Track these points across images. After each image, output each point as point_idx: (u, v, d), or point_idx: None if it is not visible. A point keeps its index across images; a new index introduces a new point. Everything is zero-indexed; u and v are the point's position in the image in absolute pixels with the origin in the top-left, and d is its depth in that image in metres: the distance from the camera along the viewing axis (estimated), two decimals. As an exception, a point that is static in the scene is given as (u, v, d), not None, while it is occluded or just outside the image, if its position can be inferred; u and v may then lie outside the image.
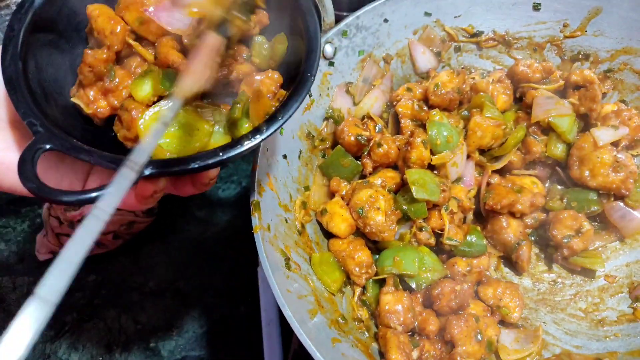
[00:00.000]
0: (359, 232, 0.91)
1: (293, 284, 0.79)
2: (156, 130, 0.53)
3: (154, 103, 0.65)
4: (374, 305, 0.87)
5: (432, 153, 0.91)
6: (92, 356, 1.07)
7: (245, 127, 0.66)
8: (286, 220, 0.88)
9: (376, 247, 0.91)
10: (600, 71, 1.05)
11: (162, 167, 0.56)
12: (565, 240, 0.90)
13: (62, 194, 0.52)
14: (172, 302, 1.14)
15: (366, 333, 0.86)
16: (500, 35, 1.08)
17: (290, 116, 0.62)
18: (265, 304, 1.05)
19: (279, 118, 0.61)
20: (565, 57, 1.07)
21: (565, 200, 0.95)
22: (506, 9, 1.06)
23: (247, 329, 1.09)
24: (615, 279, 0.94)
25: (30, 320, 0.39)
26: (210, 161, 0.57)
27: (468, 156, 0.95)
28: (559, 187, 0.99)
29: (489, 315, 0.87)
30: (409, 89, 1.02)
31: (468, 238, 0.91)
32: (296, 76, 0.65)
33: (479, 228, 0.95)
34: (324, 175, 0.98)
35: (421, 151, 0.89)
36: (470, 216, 0.96)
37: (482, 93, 0.98)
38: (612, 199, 0.94)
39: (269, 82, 0.66)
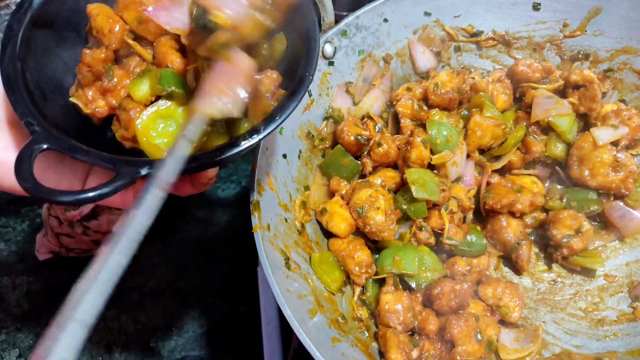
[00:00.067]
0: (358, 232, 0.91)
1: (293, 283, 0.79)
2: (180, 148, 0.52)
3: (151, 103, 0.65)
4: (373, 304, 0.87)
5: (432, 153, 0.91)
6: (92, 356, 1.07)
7: (244, 126, 0.66)
8: (286, 220, 0.88)
9: (376, 246, 0.91)
10: (600, 71, 1.05)
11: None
12: (565, 239, 0.90)
13: (59, 194, 0.52)
14: (172, 302, 1.14)
15: (366, 332, 0.86)
16: (500, 35, 1.08)
17: (287, 116, 0.62)
18: (265, 303, 1.05)
19: (277, 118, 0.61)
20: (565, 57, 1.07)
21: (565, 200, 0.95)
22: (506, 9, 1.06)
23: (247, 328, 1.08)
24: (615, 279, 0.94)
25: (68, 342, 0.38)
26: (208, 161, 0.57)
27: (468, 156, 0.95)
28: (559, 186, 0.99)
29: (488, 314, 0.87)
30: (408, 89, 1.02)
31: (468, 238, 0.91)
32: (295, 76, 0.65)
33: (478, 228, 0.95)
34: (324, 175, 0.98)
35: (421, 151, 0.89)
36: (470, 216, 0.96)
37: (481, 93, 0.98)
38: (612, 198, 0.94)
39: (268, 81, 0.66)
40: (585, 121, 1.00)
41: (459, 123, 0.97)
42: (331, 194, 0.96)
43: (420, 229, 0.89)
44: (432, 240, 0.90)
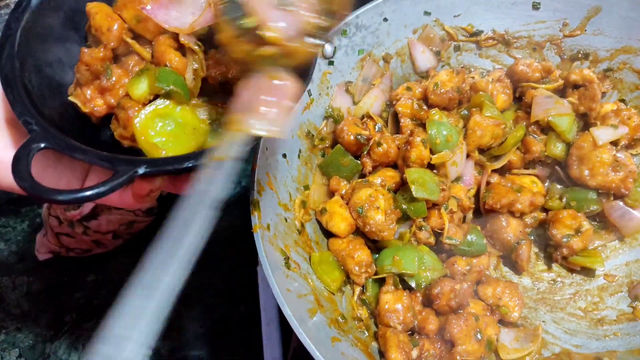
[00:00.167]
0: (358, 232, 0.91)
1: (293, 283, 0.79)
2: (228, 168, 0.52)
3: (150, 101, 0.65)
4: (373, 304, 0.87)
5: (432, 152, 0.91)
6: (92, 356, 1.07)
7: None
8: (286, 220, 0.88)
9: (376, 246, 0.91)
10: (600, 70, 1.05)
11: (156, 166, 0.56)
12: (564, 239, 0.90)
13: (57, 192, 0.52)
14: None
15: (366, 332, 0.86)
16: (499, 35, 1.08)
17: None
18: (265, 303, 1.05)
19: None
20: (565, 56, 1.07)
21: (564, 200, 0.95)
22: (505, 8, 1.06)
23: (247, 328, 1.08)
24: (614, 278, 0.94)
25: None
26: (205, 160, 0.57)
27: (468, 155, 0.95)
28: (559, 186, 0.99)
29: (488, 314, 0.87)
30: (408, 88, 1.02)
31: (468, 237, 0.91)
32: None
33: (478, 227, 0.95)
34: (324, 175, 0.98)
35: (421, 150, 0.89)
36: (469, 215, 0.96)
37: (481, 92, 0.98)
38: (612, 198, 0.94)
39: None
40: (585, 121, 1.00)
41: (458, 123, 0.97)
42: (331, 194, 0.96)
43: (420, 228, 0.89)
44: (432, 239, 0.90)
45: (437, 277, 0.86)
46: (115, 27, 0.67)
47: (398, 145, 0.94)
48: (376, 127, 1.00)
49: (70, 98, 0.67)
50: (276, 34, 0.55)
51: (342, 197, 0.93)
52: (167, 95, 0.64)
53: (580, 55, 1.06)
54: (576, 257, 0.92)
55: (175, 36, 0.68)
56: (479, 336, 0.81)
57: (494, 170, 0.98)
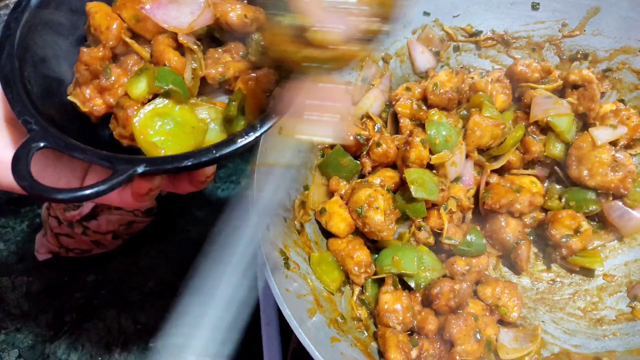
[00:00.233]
0: (358, 232, 0.91)
1: (292, 283, 0.79)
2: (277, 174, 0.51)
3: (149, 101, 0.65)
4: (373, 304, 0.87)
5: (431, 152, 0.91)
6: (92, 356, 1.07)
7: (241, 124, 0.66)
8: (285, 220, 0.88)
9: (375, 246, 0.91)
10: (599, 70, 1.05)
11: (155, 165, 0.56)
12: (563, 239, 0.90)
13: (56, 191, 0.52)
14: (172, 302, 1.14)
15: (365, 332, 0.86)
16: (499, 35, 1.09)
17: (284, 113, 0.62)
18: (265, 303, 1.05)
19: (273, 115, 0.61)
20: (564, 57, 1.07)
21: (563, 200, 0.95)
22: (505, 9, 1.07)
23: (247, 328, 1.08)
24: (613, 278, 0.94)
25: None
26: (204, 159, 0.57)
27: (467, 156, 0.95)
28: (558, 186, 0.99)
29: (487, 314, 0.87)
30: (407, 89, 1.03)
31: (467, 237, 0.91)
32: (292, 73, 0.65)
33: (478, 227, 0.95)
34: (323, 175, 0.98)
35: (420, 151, 0.89)
36: (469, 215, 0.96)
37: (481, 92, 0.98)
38: (611, 198, 0.94)
39: (265, 79, 0.66)
40: (584, 121, 1.00)
41: (458, 123, 0.97)
42: (330, 194, 0.96)
43: (419, 228, 0.89)
44: (431, 240, 0.90)
45: (436, 277, 0.86)
46: (115, 26, 0.67)
47: (397, 146, 0.95)
48: (375, 127, 1.00)
49: (69, 97, 0.67)
50: (328, 37, 0.54)
51: (341, 198, 0.93)
52: (166, 95, 0.64)
53: (579, 56, 1.06)
54: (575, 257, 0.92)
55: (174, 36, 0.68)
56: (478, 336, 0.81)
57: (493, 171, 0.98)
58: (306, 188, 0.96)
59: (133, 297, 1.15)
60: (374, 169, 0.97)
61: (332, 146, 0.99)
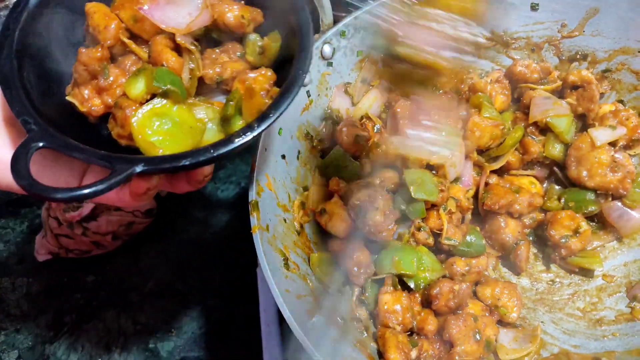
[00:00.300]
0: (357, 232, 0.91)
1: (292, 284, 0.79)
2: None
3: (147, 101, 0.65)
4: (372, 305, 0.87)
5: (431, 153, 0.91)
6: (91, 357, 1.07)
7: (239, 124, 0.66)
8: (285, 221, 0.88)
9: (375, 247, 0.91)
10: (598, 71, 1.05)
11: (153, 164, 0.57)
12: (563, 240, 0.90)
13: (55, 191, 0.53)
14: (171, 302, 1.14)
15: (365, 333, 0.86)
16: (498, 35, 1.09)
17: (281, 113, 0.62)
18: (265, 304, 1.05)
19: (271, 115, 0.62)
20: (563, 57, 1.07)
21: (563, 200, 0.95)
22: (504, 9, 1.07)
23: (247, 329, 1.09)
24: (613, 279, 0.94)
25: None
26: (201, 158, 0.58)
27: (466, 156, 0.95)
28: (557, 187, 0.99)
29: (487, 314, 0.87)
30: (407, 90, 1.03)
31: (467, 238, 0.91)
32: (289, 73, 0.65)
33: (477, 228, 0.95)
34: (323, 176, 0.98)
35: (419, 151, 0.89)
36: (468, 216, 0.96)
37: (480, 93, 0.98)
38: (610, 199, 0.94)
39: (262, 79, 0.67)
40: (583, 122, 1.00)
41: (457, 123, 0.97)
42: (330, 195, 0.96)
43: (418, 229, 0.90)
44: (431, 240, 0.90)
45: (436, 278, 0.87)
46: (113, 25, 0.67)
47: (397, 146, 0.95)
48: (375, 128, 1.00)
49: (67, 98, 0.68)
50: (440, 60, 0.54)
51: (341, 198, 0.93)
52: (164, 95, 0.64)
53: (578, 56, 1.06)
54: (575, 257, 0.92)
55: (171, 36, 0.68)
56: (477, 336, 0.81)
57: (493, 171, 0.98)
58: (306, 189, 0.96)
59: (133, 297, 1.15)
60: (374, 169, 0.96)
61: (331, 147, 1.00)
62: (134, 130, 0.63)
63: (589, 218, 0.96)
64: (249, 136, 0.60)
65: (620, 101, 1.04)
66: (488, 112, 0.93)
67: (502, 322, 0.88)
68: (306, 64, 0.66)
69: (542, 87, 1.02)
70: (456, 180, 0.95)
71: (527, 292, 0.95)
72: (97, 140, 0.67)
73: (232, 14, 0.69)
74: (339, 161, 0.95)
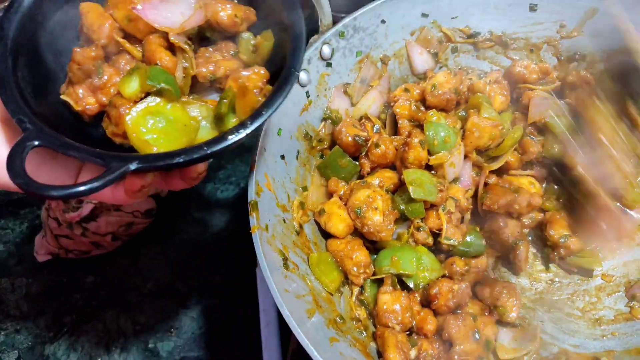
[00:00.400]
0: (356, 232, 0.92)
1: (291, 284, 0.79)
2: None
3: (141, 99, 0.66)
4: (372, 304, 0.87)
5: (430, 153, 0.91)
6: (91, 357, 1.07)
7: (232, 122, 0.67)
8: (284, 221, 0.88)
9: (374, 247, 0.92)
10: (597, 71, 1.05)
11: (148, 162, 0.57)
12: (562, 240, 0.91)
13: (51, 189, 0.53)
14: (171, 303, 1.14)
15: (364, 332, 0.86)
16: (497, 36, 1.09)
17: (274, 110, 0.63)
18: (264, 304, 1.06)
19: (264, 113, 0.62)
20: (562, 58, 1.07)
21: (562, 200, 0.95)
22: (502, 10, 1.07)
23: (246, 329, 1.09)
24: (612, 278, 0.95)
25: None
26: (195, 155, 0.58)
27: (465, 156, 0.95)
28: (556, 187, 0.99)
29: (486, 314, 0.87)
30: (406, 90, 1.03)
31: (467, 238, 0.91)
32: (282, 72, 0.66)
33: (477, 228, 0.95)
34: (322, 176, 0.98)
35: (419, 151, 0.89)
36: (468, 216, 0.96)
37: (479, 94, 0.98)
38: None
39: (256, 78, 0.67)
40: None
41: (456, 124, 0.97)
42: (329, 195, 0.96)
43: (418, 229, 0.90)
44: (430, 240, 0.90)
45: (435, 278, 0.87)
46: (107, 25, 0.68)
47: (396, 147, 0.95)
48: (374, 128, 1.01)
49: (62, 97, 0.68)
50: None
51: (340, 198, 0.93)
52: (158, 93, 0.65)
53: (577, 57, 1.06)
54: (574, 257, 0.92)
55: (165, 35, 0.68)
56: (477, 336, 0.81)
57: (492, 171, 0.98)
58: (305, 189, 0.96)
59: (132, 298, 1.15)
60: (373, 169, 0.97)
61: (330, 147, 1.00)
62: (128, 129, 0.63)
63: (588, 218, 0.96)
64: (242, 134, 0.60)
65: (619, 101, 1.04)
66: (487, 113, 0.93)
67: (501, 322, 0.88)
68: (298, 62, 0.66)
69: (541, 87, 1.02)
70: (455, 180, 0.95)
71: (527, 292, 0.95)
72: (92, 138, 0.67)
73: (226, 13, 0.70)
74: (338, 161, 0.95)
